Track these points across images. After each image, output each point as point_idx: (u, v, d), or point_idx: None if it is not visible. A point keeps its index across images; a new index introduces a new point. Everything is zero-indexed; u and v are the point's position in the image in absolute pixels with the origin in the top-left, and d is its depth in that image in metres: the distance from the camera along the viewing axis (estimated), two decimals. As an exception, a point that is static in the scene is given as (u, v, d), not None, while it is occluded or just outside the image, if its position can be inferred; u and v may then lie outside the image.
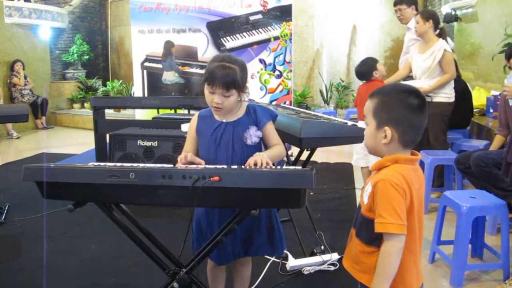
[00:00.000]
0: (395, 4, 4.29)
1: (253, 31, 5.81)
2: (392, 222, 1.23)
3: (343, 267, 1.47)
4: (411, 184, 1.27)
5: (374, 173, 1.37)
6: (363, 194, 1.37)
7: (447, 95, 3.64)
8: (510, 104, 3.06)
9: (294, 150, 4.38)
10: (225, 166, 1.60)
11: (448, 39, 3.84)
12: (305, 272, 2.51)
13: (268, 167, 1.61)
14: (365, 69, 3.64)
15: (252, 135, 1.78)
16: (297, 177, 1.45)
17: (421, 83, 3.64)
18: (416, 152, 1.37)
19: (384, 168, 1.32)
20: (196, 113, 1.89)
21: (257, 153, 1.73)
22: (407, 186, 1.26)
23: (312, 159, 3.05)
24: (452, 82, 3.67)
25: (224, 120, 1.80)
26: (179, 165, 1.66)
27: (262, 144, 1.85)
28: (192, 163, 1.69)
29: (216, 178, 1.46)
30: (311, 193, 3.80)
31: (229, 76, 1.67)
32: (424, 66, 3.64)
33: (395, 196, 1.24)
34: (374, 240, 1.30)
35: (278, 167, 1.67)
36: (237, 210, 1.66)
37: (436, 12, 3.91)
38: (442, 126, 3.69)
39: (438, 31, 3.65)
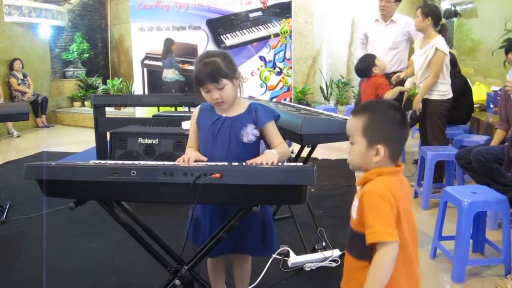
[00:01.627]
0: None
1: (253, 28, 5.81)
2: (383, 230, 1.20)
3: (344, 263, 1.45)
4: (398, 196, 1.25)
5: (359, 188, 1.34)
6: (351, 210, 1.34)
7: (441, 93, 3.63)
8: None
9: (295, 147, 4.38)
10: (226, 163, 1.60)
11: None
12: (307, 269, 2.51)
13: (270, 163, 1.61)
14: (364, 66, 3.66)
15: (249, 133, 1.76)
16: (299, 174, 1.45)
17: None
18: (400, 163, 1.36)
19: (369, 182, 1.30)
20: (198, 106, 1.89)
21: (268, 150, 1.71)
22: (392, 197, 1.24)
23: (313, 156, 3.05)
24: (448, 78, 3.65)
25: (223, 115, 1.80)
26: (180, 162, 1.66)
27: (265, 144, 1.84)
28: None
29: (217, 175, 1.46)
30: (312, 190, 3.80)
31: (212, 69, 1.70)
32: (420, 62, 3.66)
33: (382, 205, 1.22)
34: (365, 254, 1.27)
35: (280, 163, 1.66)
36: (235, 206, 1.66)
37: (438, 8, 3.85)
38: (438, 123, 3.68)
39: (439, 27, 3.63)
